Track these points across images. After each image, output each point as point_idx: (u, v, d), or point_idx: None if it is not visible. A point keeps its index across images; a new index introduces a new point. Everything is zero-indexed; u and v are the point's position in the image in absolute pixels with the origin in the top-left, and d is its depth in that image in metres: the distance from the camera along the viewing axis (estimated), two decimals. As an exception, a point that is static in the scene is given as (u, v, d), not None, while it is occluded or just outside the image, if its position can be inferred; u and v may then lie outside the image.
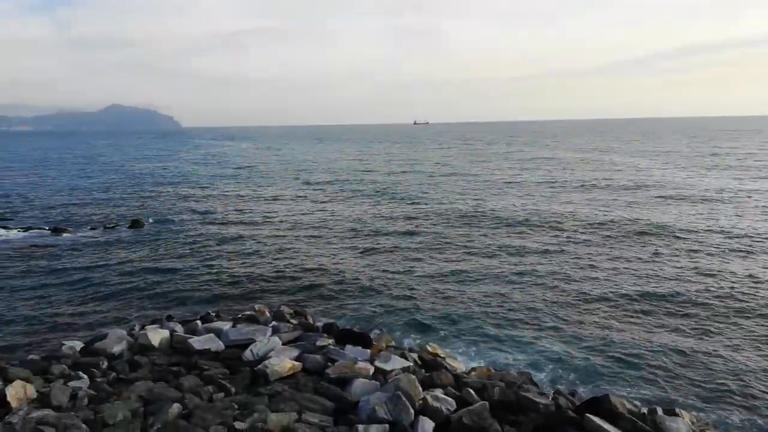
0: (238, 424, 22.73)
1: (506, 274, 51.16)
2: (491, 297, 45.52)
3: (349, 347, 31.58)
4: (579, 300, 44.35)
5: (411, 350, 32.21)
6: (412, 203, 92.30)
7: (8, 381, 27.79)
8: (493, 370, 30.44)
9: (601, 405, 24.83)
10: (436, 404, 24.95)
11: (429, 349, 32.63)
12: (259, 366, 29.50)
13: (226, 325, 36.25)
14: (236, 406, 24.95)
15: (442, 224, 74.36)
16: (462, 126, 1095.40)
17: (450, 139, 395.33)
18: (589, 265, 53.64)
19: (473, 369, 30.57)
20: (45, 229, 77.99)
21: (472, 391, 26.18)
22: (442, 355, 32.00)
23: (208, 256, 61.49)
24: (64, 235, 74.46)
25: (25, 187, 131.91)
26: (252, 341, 32.94)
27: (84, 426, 22.73)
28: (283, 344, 32.80)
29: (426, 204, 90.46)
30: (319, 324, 38.21)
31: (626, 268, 52.17)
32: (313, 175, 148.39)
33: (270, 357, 30.59)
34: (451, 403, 25.17)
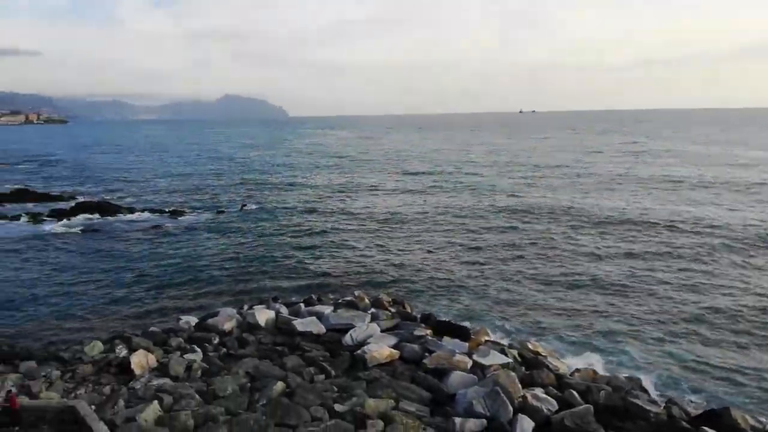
0: (337, 407, 23.32)
1: (612, 279, 47.94)
2: (595, 300, 43.28)
3: (446, 339, 31.42)
4: (693, 311, 40.71)
5: (511, 346, 31.45)
6: (515, 197, 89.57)
7: (132, 350, 30.42)
8: (598, 373, 29.04)
9: (720, 418, 22.92)
10: (536, 403, 24.20)
11: (530, 346, 31.70)
12: (358, 351, 30.14)
13: (327, 309, 37.40)
14: (336, 389, 25.64)
15: (545, 221, 71.24)
16: (569, 115, 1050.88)
17: (557, 128, 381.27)
18: (708, 273, 49.10)
19: (577, 370, 29.31)
20: (165, 211, 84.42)
21: (575, 393, 25.13)
22: (543, 354, 30.97)
23: (309, 242, 63.66)
24: (181, 218, 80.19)
25: (149, 173, 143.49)
26: (351, 326, 33.74)
27: (197, 396, 24.30)
28: (381, 331, 33.26)
29: (530, 199, 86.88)
30: (417, 314, 38.36)
31: (754, 281, 47.22)
32: (413, 165, 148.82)
33: (368, 343, 31.13)
34: (553, 404, 24.30)
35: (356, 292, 41.79)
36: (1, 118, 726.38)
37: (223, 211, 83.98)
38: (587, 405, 24.08)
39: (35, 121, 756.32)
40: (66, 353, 30.98)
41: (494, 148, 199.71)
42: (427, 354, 29.51)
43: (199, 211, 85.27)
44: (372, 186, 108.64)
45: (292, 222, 75.07)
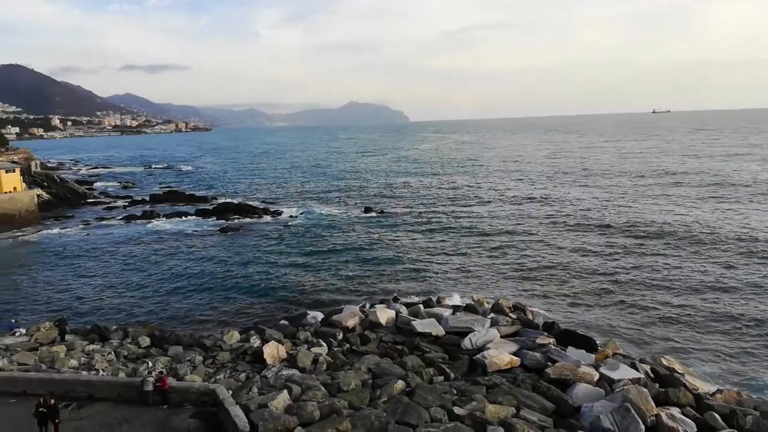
0: (456, 409, 23.28)
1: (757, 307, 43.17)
2: (742, 319, 39.21)
3: (571, 349, 30.16)
4: None
5: (642, 361, 29.44)
6: (646, 210, 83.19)
7: (265, 341, 32.62)
8: (744, 396, 26.31)
9: None
10: (671, 423, 22.47)
11: (664, 362, 29.48)
12: (477, 356, 29.88)
13: (446, 312, 37.49)
14: (455, 392, 25.62)
15: (686, 242, 63.15)
16: (710, 114, 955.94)
17: (695, 128, 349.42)
18: None
19: (719, 391, 26.76)
20: (295, 212, 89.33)
21: (717, 416, 22.99)
22: (680, 371, 28.64)
23: (430, 245, 64.11)
24: (309, 218, 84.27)
25: (281, 176, 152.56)
26: (470, 330, 33.52)
27: (323, 388, 25.46)
28: (501, 337, 32.70)
29: (665, 215, 78.15)
30: (539, 321, 37.22)
31: None
32: (534, 168, 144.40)
33: (488, 348, 30.75)
34: (691, 426, 22.41)
35: (475, 296, 41.46)
36: (156, 127, 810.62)
37: (348, 213, 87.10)
38: (732, 430, 21.95)
39: (184, 129, 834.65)
40: (208, 340, 33.96)
41: (621, 152, 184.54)
42: (549, 363, 28.53)
43: (327, 212, 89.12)
44: (493, 190, 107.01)
45: (413, 225, 76.02)
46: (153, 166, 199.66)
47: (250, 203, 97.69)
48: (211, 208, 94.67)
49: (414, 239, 67.64)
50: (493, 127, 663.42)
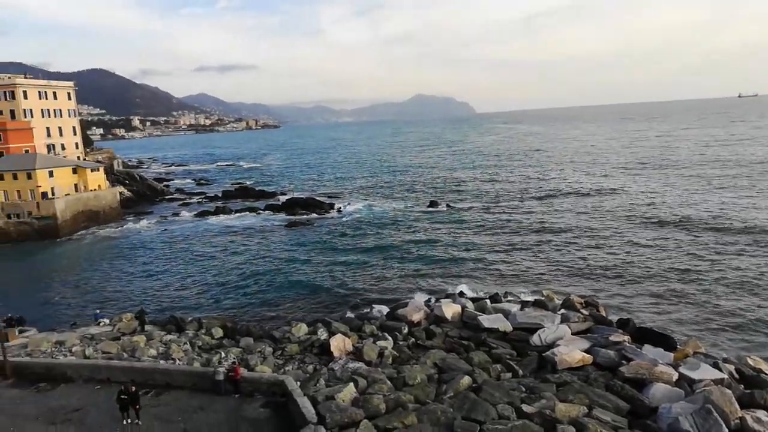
0: (525, 407, 22.72)
1: None
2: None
3: (647, 347, 28.73)
4: None
5: (726, 360, 27.69)
6: (736, 202, 78.35)
7: (332, 333, 33.07)
8: (843, 402, 24.19)
9: None
10: (757, 427, 21.02)
11: (750, 362, 27.61)
12: (546, 353, 29.01)
13: (514, 307, 36.68)
14: (524, 389, 25.01)
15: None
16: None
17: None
18: None
19: (813, 395, 24.75)
20: (361, 206, 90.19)
21: (811, 423, 21.28)
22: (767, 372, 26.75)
23: (495, 239, 63.03)
24: (375, 212, 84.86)
25: (347, 171, 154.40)
26: (540, 326, 32.62)
27: (388, 382, 25.51)
28: (573, 334, 31.62)
29: (758, 209, 71.62)
30: (613, 318, 35.72)
31: None
32: (608, 159, 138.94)
33: (558, 345, 29.82)
34: (780, 431, 20.87)
35: (545, 292, 40.35)
36: (228, 125, 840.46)
37: (413, 207, 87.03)
38: (828, 438, 20.25)
39: (254, 127, 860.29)
40: (277, 332, 34.81)
41: (705, 140, 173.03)
42: (624, 362, 27.31)
43: (391, 206, 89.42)
44: (563, 183, 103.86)
45: (479, 219, 75.00)
46: (225, 163, 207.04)
47: (316, 198, 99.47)
48: (279, 203, 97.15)
49: (480, 234, 66.69)
50: (564, 116, 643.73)
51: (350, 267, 54.95)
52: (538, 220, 72.08)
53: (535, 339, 31.28)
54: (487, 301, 38.53)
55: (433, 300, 40.28)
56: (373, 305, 41.12)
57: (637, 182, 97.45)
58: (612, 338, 30.23)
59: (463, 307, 36.80)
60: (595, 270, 49.52)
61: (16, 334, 33.47)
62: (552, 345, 30.10)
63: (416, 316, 35.85)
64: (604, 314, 36.14)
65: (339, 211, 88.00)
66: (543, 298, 38.27)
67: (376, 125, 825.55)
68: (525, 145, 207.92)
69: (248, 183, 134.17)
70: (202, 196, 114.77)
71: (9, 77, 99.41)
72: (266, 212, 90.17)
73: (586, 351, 29.02)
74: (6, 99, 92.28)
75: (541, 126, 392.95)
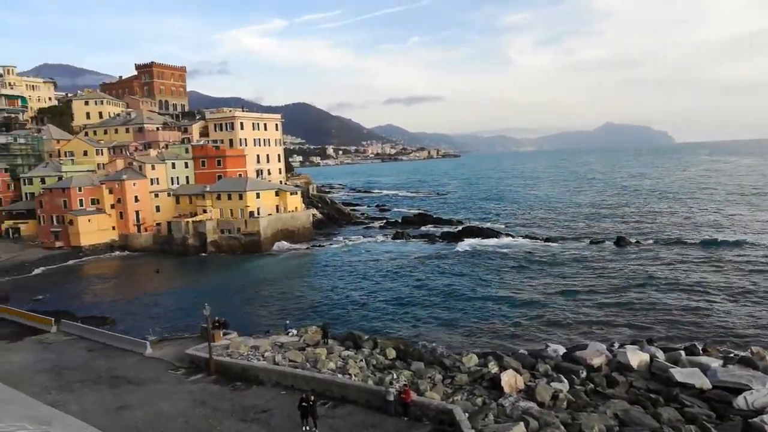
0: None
1: None
2: None
3: None
4: None
5: None
6: None
7: (503, 368, 32.17)
8: None
9: None
10: None
11: None
12: (754, 419, 24.99)
13: (714, 363, 32.31)
14: (723, 458, 21.84)
15: None
16: None
17: None
18: None
19: None
20: (539, 239, 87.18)
21: None
22: None
23: (691, 283, 56.38)
24: (554, 246, 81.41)
25: (526, 201, 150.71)
26: (747, 388, 28.26)
27: (562, 427, 24.02)
28: (791, 402, 26.89)
29: None
30: None
31: None
32: None
33: (769, 412, 25.57)
34: None
35: (754, 348, 34.93)
36: (411, 154, 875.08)
37: (596, 242, 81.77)
38: None
39: (435, 156, 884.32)
40: (447, 360, 34.86)
41: None
42: None
43: (572, 240, 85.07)
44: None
45: (673, 260, 67.89)
46: (405, 190, 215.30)
47: (493, 228, 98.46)
48: (455, 231, 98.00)
49: (673, 276, 60.22)
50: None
51: (524, 301, 53.22)
52: (745, 263, 63.06)
53: (740, 401, 27.18)
54: (681, 352, 34.54)
55: (616, 345, 37.24)
56: (549, 343, 39.22)
57: None
58: None
59: (652, 357, 33.41)
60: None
61: (221, 335, 37.99)
62: (761, 411, 25.90)
63: (596, 361, 33.40)
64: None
65: (516, 240, 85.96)
66: (751, 356, 33.15)
67: (558, 154, 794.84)
68: (734, 180, 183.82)
69: (427, 210, 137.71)
70: (384, 221, 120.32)
71: (230, 111, 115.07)
72: (443, 239, 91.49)
73: (809, 424, 24.43)
74: (226, 129, 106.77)
75: (756, 158, 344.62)
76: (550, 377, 31.28)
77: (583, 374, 31.86)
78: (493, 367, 32.47)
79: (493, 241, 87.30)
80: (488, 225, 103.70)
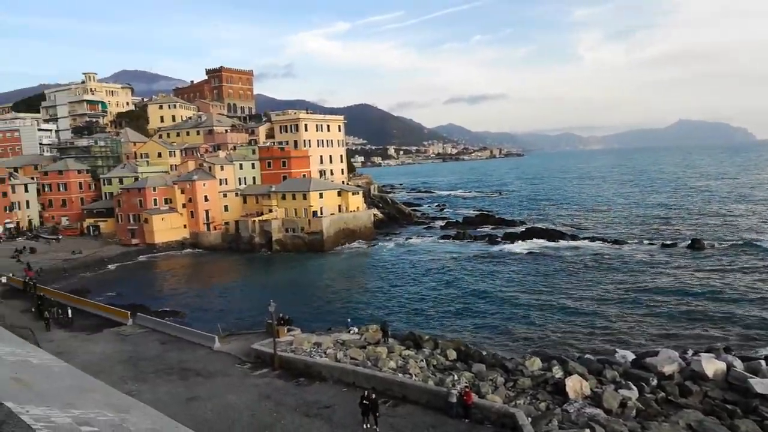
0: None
1: None
2: None
3: None
4: None
5: None
6: None
7: (567, 373, 31.32)
8: None
9: None
10: None
11: None
12: None
13: (799, 375, 30.30)
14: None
15: None
16: None
17: None
18: None
19: None
20: (607, 240, 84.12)
21: None
22: None
23: (766, 288, 52.98)
24: (622, 248, 78.39)
25: (592, 202, 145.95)
26: (837, 403, 26.32)
27: (630, 436, 23.20)
28: None
29: None
30: None
31: None
32: None
33: None
34: None
35: None
36: (472, 154, 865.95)
37: (668, 245, 78.15)
38: None
39: (497, 156, 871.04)
40: (509, 363, 34.30)
41: None
42: None
43: (642, 242, 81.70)
44: None
45: (756, 265, 63.88)
46: (466, 190, 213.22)
47: (557, 229, 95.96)
48: (518, 231, 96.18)
49: (752, 282, 56.71)
50: None
51: (590, 304, 51.59)
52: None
53: (829, 418, 25.33)
54: (762, 361, 32.56)
55: (690, 352, 35.48)
56: (617, 349, 37.88)
57: None
58: None
59: (729, 366, 31.62)
60: None
61: (285, 332, 38.92)
62: None
63: (668, 368, 31.95)
64: None
65: (582, 242, 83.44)
66: (843, 369, 30.86)
67: (629, 153, 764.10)
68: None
69: (488, 210, 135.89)
70: (445, 221, 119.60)
71: (295, 113, 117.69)
72: (505, 240, 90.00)
73: None
74: (291, 131, 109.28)
75: None
76: (618, 384, 30.21)
77: (654, 382, 30.56)
78: (557, 372, 31.68)
79: (557, 242, 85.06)
80: (552, 226, 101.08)
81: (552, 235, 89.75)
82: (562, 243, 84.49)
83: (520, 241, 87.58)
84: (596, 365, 33.57)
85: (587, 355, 36.69)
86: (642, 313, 48.37)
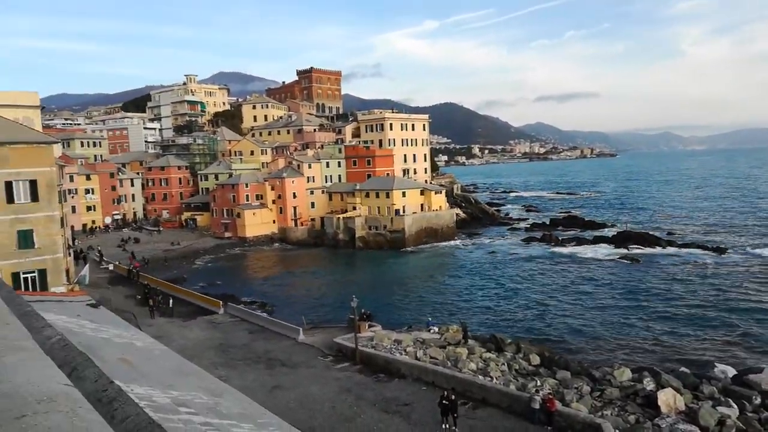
0: None
1: None
2: None
3: None
4: None
5: None
6: None
7: (660, 386, 29.64)
8: None
9: None
10: None
11: None
12: None
13: None
14: None
15: None
16: None
17: None
18: None
19: None
20: (708, 248, 78.57)
21: None
22: None
23: None
24: (724, 257, 73.01)
25: (692, 206, 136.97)
26: None
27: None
28: None
29: None
30: None
31: None
32: None
33: None
34: None
35: None
36: (561, 153, 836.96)
37: (778, 254, 71.98)
38: None
39: (588, 156, 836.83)
40: (596, 372, 32.95)
41: None
42: None
43: (747, 250, 75.75)
44: None
45: None
46: (555, 191, 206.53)
47: (651, 233, 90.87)
48: (609, 235, 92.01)
49: None
50: None
51: (687, 315, 48.52)
52: None
53: None
54: None
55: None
56: (716, 363, 35.39)
57: None
58: None
59: None
60: None
61: (366, 327, 39.53)
62: None
63: (775, 386, 29.48)
64: None
65: (680, 248, 78.54)
66: None
67: (734, 154, 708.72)
68: None
69: (578, 212, 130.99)
70: (530, 223, 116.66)
71: (380, 112, 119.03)
72: (594, 244, 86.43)
73: None
74: (376, 130, 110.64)
75: None
76: (716, 400, 28.22)
77: (757, 400, 28.29)
78: (648, 384, 30.06)
79: (652, 248, 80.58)
80: (648, 230, 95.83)
81: (647, 240, 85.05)
82: (658, 249, 79.93)
83: (610, 245, 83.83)
84: (692, 379, 31.54)
85: (682, 368, 34.53)
86: (746, 326, 44.88)
